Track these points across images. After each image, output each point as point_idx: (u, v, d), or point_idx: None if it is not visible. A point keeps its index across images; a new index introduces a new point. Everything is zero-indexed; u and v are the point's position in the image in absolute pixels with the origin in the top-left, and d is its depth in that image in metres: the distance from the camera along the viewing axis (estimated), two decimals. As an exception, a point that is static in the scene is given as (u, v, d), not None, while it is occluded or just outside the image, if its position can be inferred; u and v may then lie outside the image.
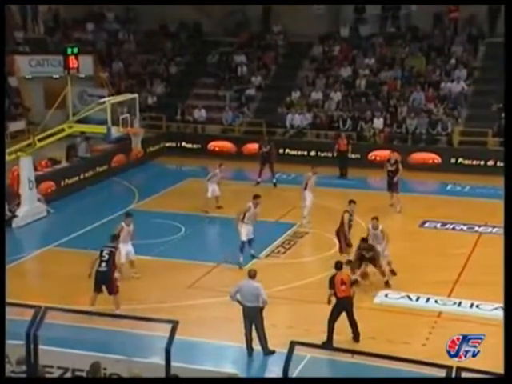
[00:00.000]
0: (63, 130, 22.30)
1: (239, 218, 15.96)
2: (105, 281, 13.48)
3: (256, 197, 16.24)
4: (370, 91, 27.49)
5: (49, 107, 24.89)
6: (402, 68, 27.99)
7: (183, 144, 27.03)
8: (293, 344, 6.93)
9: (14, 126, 26.66)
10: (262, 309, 11.97)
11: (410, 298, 14.39)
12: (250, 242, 16.22)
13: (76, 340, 11.00)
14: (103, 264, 13.49)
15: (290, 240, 17.88)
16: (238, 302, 12.01)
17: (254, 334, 12.07)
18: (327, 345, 11.92)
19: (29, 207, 19.24)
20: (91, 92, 28.24)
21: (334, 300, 12.37)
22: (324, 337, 12.18)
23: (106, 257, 13.49)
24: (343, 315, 12.38)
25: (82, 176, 22.39)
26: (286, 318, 13.34)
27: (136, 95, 23.82)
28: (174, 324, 7.35)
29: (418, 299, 14.32)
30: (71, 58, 22.37)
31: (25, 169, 19.35)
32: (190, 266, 16.31)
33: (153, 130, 26.90)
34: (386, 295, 14.53)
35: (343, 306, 12.32)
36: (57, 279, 15.18)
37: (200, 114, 27.81)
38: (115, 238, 13.83)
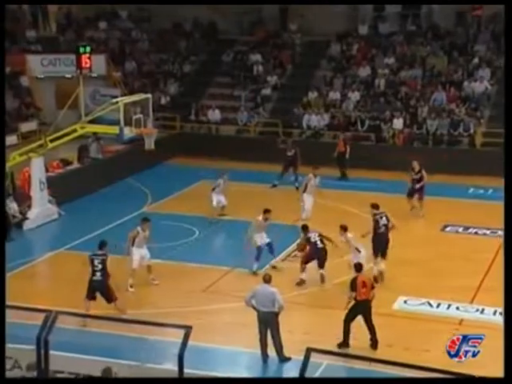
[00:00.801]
0: (75, 130, 22.41)
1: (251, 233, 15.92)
2: (101, 290, 13.52)
3: (266, 211, 16.00)
4: (389, 91, 27.41)
5: (61, 107, 25.06)
6: (423, 67, 27.88)
7: (197, 145, 27.07)
8: (309, 350, 6.91)
9: (25, 127, 26.85)
10: (277, 314, 11.97)
11: (430, 304, 14.31)
12: (270, 246, 16.09)
13: (87, 345, 11.05)
14: (98, 274, 13.52)
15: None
16: (253, 307, 12.01)
17: (270, 340, 12.06)
18: (343, 345, 11.98)
19: (40, 209, 19.37)
20: (104, 92, 28.41)
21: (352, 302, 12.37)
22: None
23: (99, 266, 13.51)
24: (359, 319, 12.35)
25: (93, 177, 22.47)
26: (302, 323, 13.31)
27: (149, 95, 23.88)
28: (188, 329, 7.36)
29: (438, 306, 14.24)
30: (84, 57, 22.52)
31: (36, 170, 19.48)
32: (203, 269, 16.33)
33: (166, 131, 26.97)
34: (405, 301, 14.46)
35: (362, 308, 12.33)
36: (68, 283, 15.26)
37: (214, 114, 27.86)
38: (104, 244, 13.82)
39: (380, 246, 15.45)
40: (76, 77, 23.64)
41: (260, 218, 16.04)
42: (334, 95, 27.80)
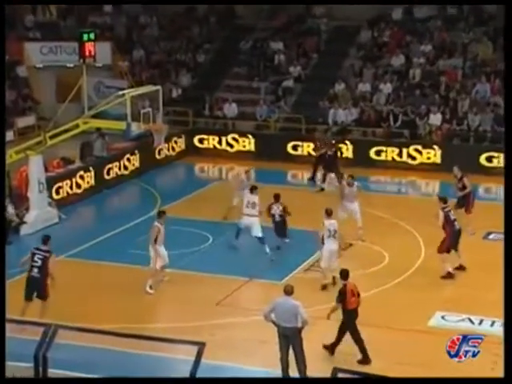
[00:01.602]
0: (77, 125, 22.61)
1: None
2: (37, 288, 13.72)
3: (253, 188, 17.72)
4: (425, 82, 27.29)
5: (61, 100, 25.27)
6: (464, 56, 27.73)
7: (212, 142, 27.17)
8: (335, 370, 6.92)
9: (22, 122, 27.06)
10: (300, 330, 11.96)
11: (471, 320, 14.22)
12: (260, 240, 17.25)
13: (89, 363, 11.12)
14: (35, 270, 13.68)
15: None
16: (273, 322, 12.02)
17: (291, 358, 12.06)
18: (363, 362, 12.30)
19: (38, 212, 19.50)
20: (109, 83, 28.59)
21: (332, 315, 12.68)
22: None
23: (39, 262, 13.65)
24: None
25: (97, 178, 22.64)
26: (327, 341, 13.30)
27: (159, 87, 24.06)
28: (200, 346, 7.40)
29: (480, 322, 14.16)
30: (87, 45, 22.69)
31: (34, 169, 19.62)
32: (218, 280, 16.37)
33: (178, 127, 27.08)
34: (443, 317, 14.40)
35: (353, 316, 12.60)
36: (69, 294, 15.37)
37: (231, 108, 27.92)
38: (48, 239, 13.95)
39: (456, 241, 16.14)
40: (79, 67, 23.80)
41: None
42: (364, 87, 27.73)
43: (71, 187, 21.68)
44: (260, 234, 17.36)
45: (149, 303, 15.14)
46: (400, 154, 25.30)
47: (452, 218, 16.22)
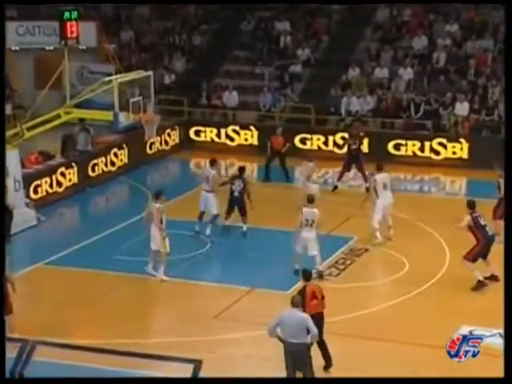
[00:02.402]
0: (58, 116, 22.65)
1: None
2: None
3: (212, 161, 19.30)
4: (451, 67, 27.28)
5: (40, 87, 25.32)
6: (495, 37, 27.71)
7: (209, 135, 27.17)
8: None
9: (-4, 112, 27.10)
10: (309, 346, 11.95)
11: (502, 336, 14.16)
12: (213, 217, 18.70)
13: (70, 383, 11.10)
14: None
15: (344, 259, 17.84)
16: (279, 338, 12.00)
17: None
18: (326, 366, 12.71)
19: (15, 213, 19.50)
20: (94, 68, 28.64)
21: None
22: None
23: None
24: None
25: (81, 175, 22.64)
26: (339, 358, 13.28)
27: (150, 73, 24.08)
28: (197, 364, 7.39)
29: (513, 338, 14.11)
30: (69, 25, 22.74)
31: (10, 165, 19.62)
32: (216, 289, 16.37)
33: (171, 117, 27.11)
34: (471, 332, 14.35)
35: (315, 322, 12.44)
36: (48, 306, 15.36)
37: (231, 96, 27.93)
38: None
39: (487, 249, 16.17)
40: (59, 49, 23.83)
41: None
42: (381, 73, 27.72)
43: (51, 185, 21.67)
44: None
45: (138, 315, 15.12)
46: (422, 149, 25.29)
47: (482, 223, 16.18)
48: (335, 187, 22.54)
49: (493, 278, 16.31)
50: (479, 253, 16.17)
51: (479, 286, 16.03)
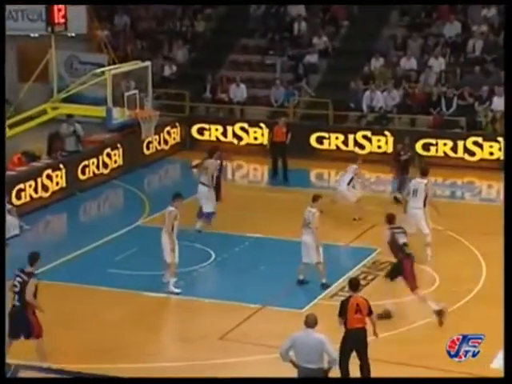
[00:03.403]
0: (45, 112, 22.70)
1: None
2: (18, 320, 13.49)
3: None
4: (488, 57, 27.24)
5: (24, 80, 25.39)
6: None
7: (214, 134, 27.18)
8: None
9: (-25, 107, 27.20)
10: (327, 372, 11.93)
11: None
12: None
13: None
14: (16, 297, 13.59)
15: (367, 273, 17.83)
16: (292, 362, 11.98)
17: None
18: None
19: (-6, 221, 19.56)
20: (84, 58, 28.70)
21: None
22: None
23: (18, 287, 13.54)
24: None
25: (69, 178, 22.68)
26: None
27: (148, 63, 24.13)
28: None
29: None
30: (57, 9, 22.81)
31: (-11, 167, 19.69)
32: (222, 307, 16.35)
33: (171, 114, 27.14)
34: (510, 357, 14.31)
35: (353, 340, 12.70)
36: (33, 325, 15.36)
37: (238, 90, 27.96)
38: (35, 259, 13.86)
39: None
40: (46, 37, 23.89)
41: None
42: (408, 64, 27.70)
43: (36, 190, 21.71)
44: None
45: (134, 337, 15.12)
46: (454, 149, 25.28)
47: (401, 241, 15.77)
48: (396, 198, 21.85)
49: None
50: (412, 275, 15.63)
51: (441, 316, 15.49)
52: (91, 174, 23.49)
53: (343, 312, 12.88)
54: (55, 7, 22.59)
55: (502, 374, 13.73)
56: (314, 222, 16.65)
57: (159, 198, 22.39)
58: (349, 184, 20.60)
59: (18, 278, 13.59)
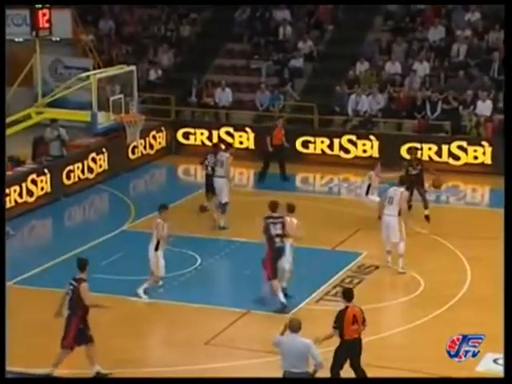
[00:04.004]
0: (29, 116, 22.63)
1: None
2: (66, 326, 13.60)
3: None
4: (472, 61, 27.33)
5: (8, 84, 25.28)
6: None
7: (200, 138, 27.16)
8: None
9: (-41, 111, 27.09)
10: (313, 375, 11.92)
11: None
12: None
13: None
14: (68, 305, 13.66)
15: (352, 277, 17.82)
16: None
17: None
18: None
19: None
20: (69, 63, 28.61)
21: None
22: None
23: (70, 294, 13.63)
24: None
25: (54, 183, 22.62)
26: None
27: (133, 67, 24.09)
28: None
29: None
30: (41, 14, 22.75)
31: (-27, 172, 19.63)
32: (207, 312, 16.33)
33: (157, 118, 27.10)
34: (496, 360, 14.35)
35: (349, 350, 12.67)
36: (18, 332, 15.30)
37: (224, 94, 27.95)
38: (84, 265, 13.91)
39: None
40: (30, 41, 23.82)
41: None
42: (393, 68, 27.76)
43: (20, 195, 21.64)
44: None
45: (118, 342, 15.08)
46: (439, 153, 25.32)
47: (274, 232, 16.12)
48: (426, 217, 20.92)
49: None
50: (270, 265, 16.14)
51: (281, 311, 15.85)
52: (76, 179, 23.43)
53: (339, 323, 12.76)
54: (40, 12, 22.55)
55: (487, 376, 13.84)
56: (288, 230, 16.28)
57: (145, 202, 22.42)
58: (367, 193, 20.42)
59: (70, 286, 13.60)
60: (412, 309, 16.34)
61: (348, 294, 13.04)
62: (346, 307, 12.87)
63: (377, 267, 18.22)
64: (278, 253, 16.15)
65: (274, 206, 16.34)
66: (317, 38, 29.46)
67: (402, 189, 18.21)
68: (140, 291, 16.53)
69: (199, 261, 18.59)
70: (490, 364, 14.31)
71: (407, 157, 22.88)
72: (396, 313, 16.25)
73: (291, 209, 16.63)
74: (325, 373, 12.44)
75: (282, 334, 11.87)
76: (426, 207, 20.91)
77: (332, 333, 12.82)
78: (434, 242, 19.63)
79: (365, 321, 12.96)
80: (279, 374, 11.97)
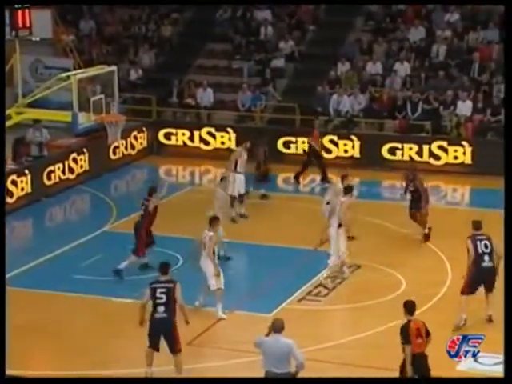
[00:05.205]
0: (9, 117, 22.51)
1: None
2: (165, 331, 13.38)
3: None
4: (452, 62, 27.43)
5: (-12, 84, 25.17)
6: (500, 28, 27.88)
7: (181, 138, 27.13)
8: None
9: None
10: (295, 376, 11.93)
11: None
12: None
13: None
14: (160, 309, 13.33)
15: (334, 277, 17.84)
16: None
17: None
18: None
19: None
20: (49, 63, 28.50)
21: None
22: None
23: (164, 298, 13.28)
24: None
25: (35, 183, 22.54)
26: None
27: (114, 68, 24.03)
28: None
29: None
30: (21, 14, 22.65)
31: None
32: (189, 312, 16.22)
33: (138, 118, 27.05)
34: (477, 359, 14.37)
35: (417, 365, 12.33)
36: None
37: (205, 94, 27.93)
38: (167, 267, 13.58)
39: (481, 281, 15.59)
40: (10, 41, 23.72)
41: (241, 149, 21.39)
42: (374, 68, 27.82)
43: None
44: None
45: (100, 343, 15.04)
46: (420, 153, 25.40)
47: (480, 249, 15.46)
48: (427, 236, 20.08)
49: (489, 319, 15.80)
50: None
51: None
52: (57, 179, 23.35)
53: (408, 338, 12.30)
54: (19, 12, 22.46)
55: (468, 376, 13.89)
56: (209, 245, 15.90)
57: (126, 203, 22.38)
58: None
59: (161, 289, 13.23)
60: (393, 308, 16.27)
61: (410, 307, 12.55)
62: (409, 321, 12.45)
63: (359, 266, 18.26)
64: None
65: (478, 224, 15.61)
66: (298, 38, 29.50)
67: (344, 199, 17.84)
68: (220, 314, 15.90)
69: (181, 261, 18.55)
70: (472, 364, 14.33)
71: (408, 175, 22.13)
72: (377, 312, 16.25)
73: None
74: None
75: (267, 335, 11.84)
76: (424, 227, 20.05)
77: (405, 351, 12.30)
78: (415, 241, 19.68)
79: (429, 334, 12.55)
80: (262, 374, 11.97)
